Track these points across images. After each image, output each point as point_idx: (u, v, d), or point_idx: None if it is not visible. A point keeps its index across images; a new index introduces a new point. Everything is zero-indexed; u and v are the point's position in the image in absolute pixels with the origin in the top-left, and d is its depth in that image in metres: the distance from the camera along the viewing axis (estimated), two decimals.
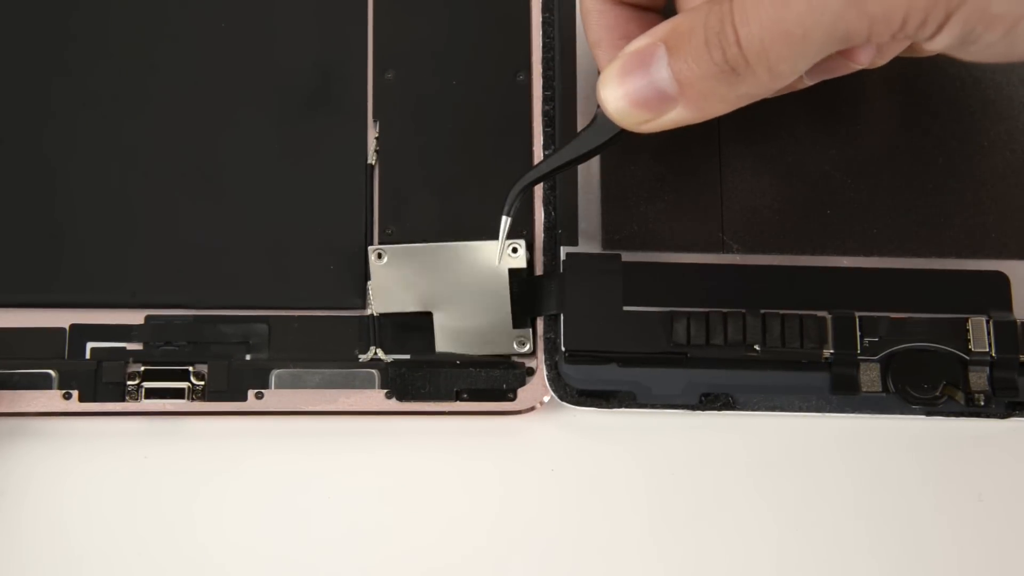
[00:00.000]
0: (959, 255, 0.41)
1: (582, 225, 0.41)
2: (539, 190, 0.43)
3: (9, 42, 0.44)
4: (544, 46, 0.44)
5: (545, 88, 0.43)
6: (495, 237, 0.39)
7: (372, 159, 0.43)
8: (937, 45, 0.32)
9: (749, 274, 0.40)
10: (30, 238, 0.42)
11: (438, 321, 0.41)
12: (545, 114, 0.43)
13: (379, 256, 0.41)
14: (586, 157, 0.37)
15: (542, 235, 0.42)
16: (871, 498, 0.41)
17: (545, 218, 0.42)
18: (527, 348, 0.41)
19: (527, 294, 0.42)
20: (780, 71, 0.32)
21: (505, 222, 0.39)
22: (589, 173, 0.41)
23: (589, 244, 0.41)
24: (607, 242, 0.41)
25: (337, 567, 0.40)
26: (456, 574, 0.40)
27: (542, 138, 0.43)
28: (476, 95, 0.44)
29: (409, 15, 0.45)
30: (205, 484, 0.41)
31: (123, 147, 0.43)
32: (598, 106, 0.35)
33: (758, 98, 0.34)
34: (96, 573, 0.40)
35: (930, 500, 0.41)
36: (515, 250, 0.41)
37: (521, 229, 0.42)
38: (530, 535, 0.41)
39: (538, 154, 0.43)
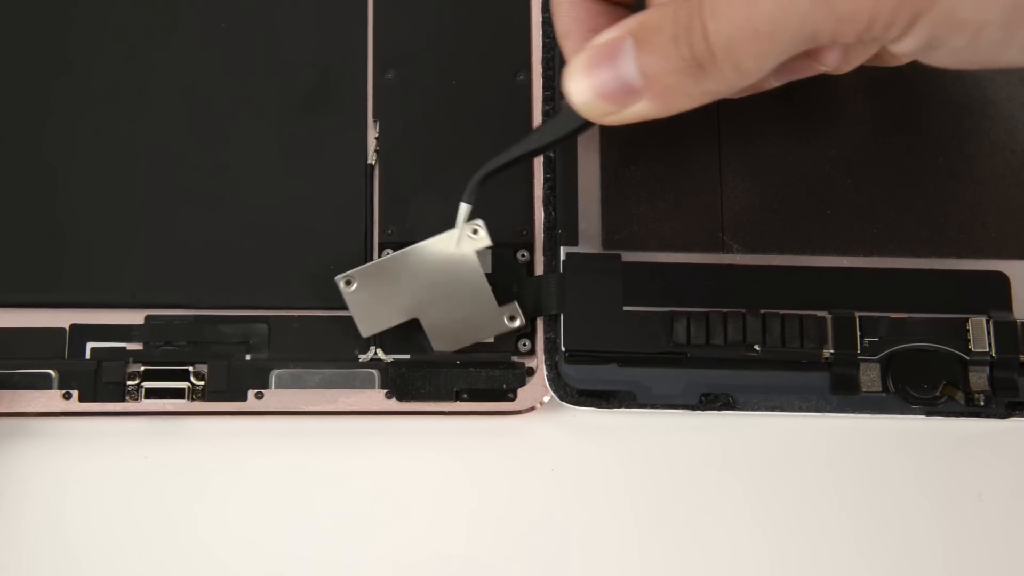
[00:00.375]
0: (959, 255, 0.41)
1: (582, 225, 0.41)
2: (539, 190, 0.43)
3: (9, 42, 0.44)
4: (544, 46, 0.44)
5: (545, 88, 0.43)
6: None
7: (372, 159, 0.43)
8: (903, 48, 0.32)
9: (749, 274, 0.40)
10: (30, 238, 0.42)
11: (426, 324, 0.41)
12: (545, 114, 0.43)
13: (348, 283, 0.41)
14: (549, 147, 0.37)
15: (542, 235, 0.42)
16: (871, 498, 0.41)
17: (545, 218, 0.42)
18: (518, 322, 0.41)
19: (527, 294, 0.42)
20: (746, 68, 0.32)
21: (463, 208, 0.38)
22: (589, 173, 0.41)
23: (589, 244, 0.41)
24: (607, 242, 0.41)
25: (337, 567, 0.40)
26: (456, 574, 0.40)
27: None
28: (476, 95, 0.44)
29: (409, 15, 0.45)
30: (205, 484, 0.41)
31: (123, 147, 0.43)
32: (562, 97, 0.35)
33: (723, 95, 0.34)
34: (96, 573, 0.40)
35: (930, 500, 0.41)
36: (476, 231, 0.40)
37: (521, 229, 0.42)
38: (530, 535, 0.41)
39: None
